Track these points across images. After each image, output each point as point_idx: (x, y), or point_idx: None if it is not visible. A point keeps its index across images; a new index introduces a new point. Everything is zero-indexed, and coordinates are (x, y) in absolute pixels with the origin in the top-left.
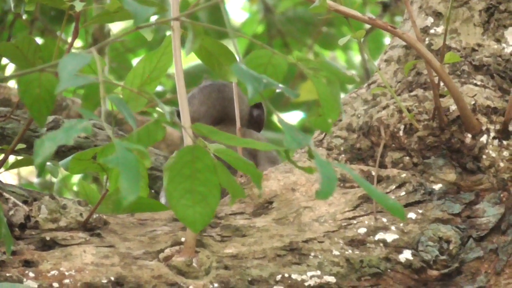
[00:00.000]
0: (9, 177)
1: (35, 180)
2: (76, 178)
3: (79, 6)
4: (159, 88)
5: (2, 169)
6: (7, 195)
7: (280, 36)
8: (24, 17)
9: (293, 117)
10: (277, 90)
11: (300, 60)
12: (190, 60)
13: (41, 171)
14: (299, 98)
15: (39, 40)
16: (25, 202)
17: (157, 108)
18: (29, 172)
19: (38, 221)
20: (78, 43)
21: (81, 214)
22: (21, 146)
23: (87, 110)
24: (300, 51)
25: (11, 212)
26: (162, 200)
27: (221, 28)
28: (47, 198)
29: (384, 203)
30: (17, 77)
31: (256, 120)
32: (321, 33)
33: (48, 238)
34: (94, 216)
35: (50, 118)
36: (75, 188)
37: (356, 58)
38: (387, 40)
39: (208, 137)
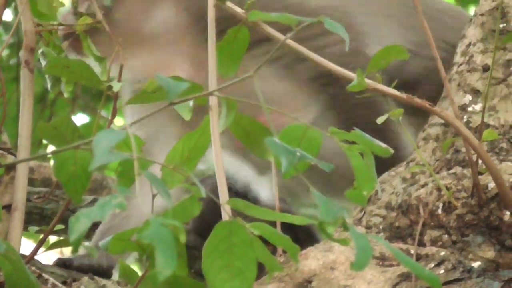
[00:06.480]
0: (53, 256)
1: None
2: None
3: (116, 87)
4: (201, 167)
5: (42, 249)
6: (46, 276)
7: None
8: (66, 95)
9: None
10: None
11: (334, 133)
12: None
13: (76, 248)
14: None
15: (81, 118)
16: (64, 282)
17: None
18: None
19: None
20: (120, 121)
21: None
22: (60, 227)
23: (122, 187)
24: None
25: None
26: None
27: (254, 102)
28: (86, 278)
29: (417, 272)
30: (53, 155)
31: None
32: None
33: None
34: None
35: (89, 198)
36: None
37: None
38: None
39: (244, 212)
